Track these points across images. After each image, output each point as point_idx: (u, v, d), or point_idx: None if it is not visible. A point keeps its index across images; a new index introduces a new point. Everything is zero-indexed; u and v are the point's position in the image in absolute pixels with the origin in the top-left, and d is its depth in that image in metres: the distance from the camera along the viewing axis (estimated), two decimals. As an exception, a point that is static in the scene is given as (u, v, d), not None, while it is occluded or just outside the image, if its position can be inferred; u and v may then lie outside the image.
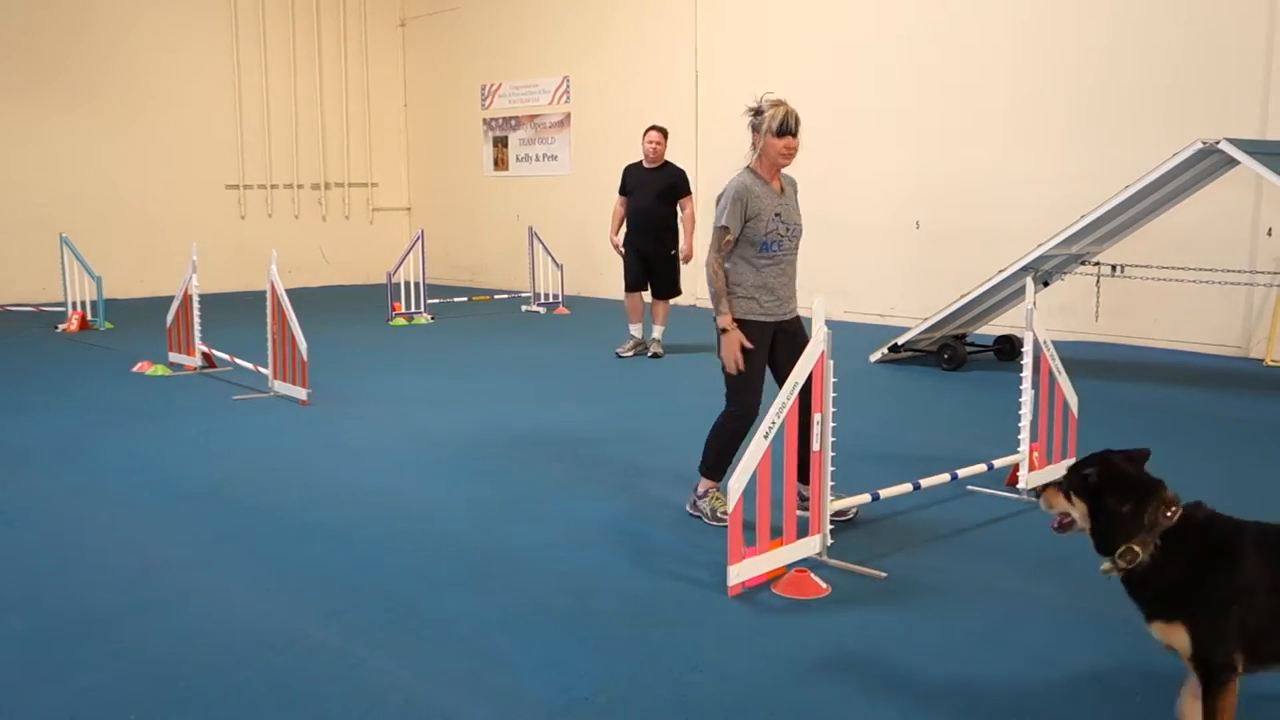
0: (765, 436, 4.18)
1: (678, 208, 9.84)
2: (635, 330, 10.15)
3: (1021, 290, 8.65)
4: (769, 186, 4.93)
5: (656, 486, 5.70)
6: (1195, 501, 2.98)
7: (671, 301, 10.09)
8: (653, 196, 9.70)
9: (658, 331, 10.06)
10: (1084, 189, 9.63)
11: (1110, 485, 2.95)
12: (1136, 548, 2.88)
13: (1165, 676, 3.48)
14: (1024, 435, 5.37)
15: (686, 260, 10.00)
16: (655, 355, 9.92)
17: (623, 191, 9.92)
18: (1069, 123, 10.55)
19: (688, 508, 5.21)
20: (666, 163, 9.85)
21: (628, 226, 9.90)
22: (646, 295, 10.06)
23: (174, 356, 9.44)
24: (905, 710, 3.28)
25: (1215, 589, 2.81)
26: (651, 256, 9.82)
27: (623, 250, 10.00)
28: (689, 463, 5.87)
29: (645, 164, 9.85)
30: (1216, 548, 2.84)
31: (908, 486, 5.00)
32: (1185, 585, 2.84)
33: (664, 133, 9.84)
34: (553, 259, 13.67)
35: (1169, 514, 2.88)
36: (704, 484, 5.14)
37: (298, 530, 5.03)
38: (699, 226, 9.97)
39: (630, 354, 10.04)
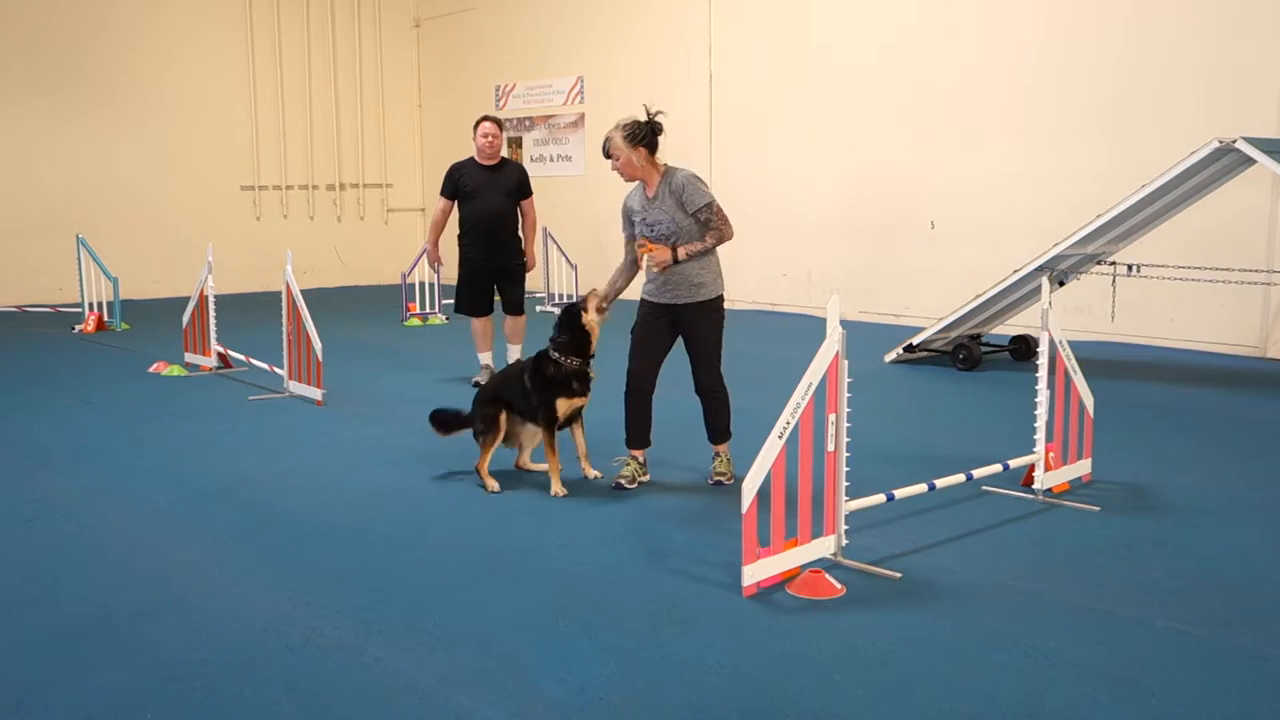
0: (780, 436, 4.18)
1: (518, 211, 8.50)
2: (487, 359, 8.64)
3: (1037, 290, 8.62)
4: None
5: (671, 485, 5.70)
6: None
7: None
8: (501, 197, 8.30)
9: (516, 352, 8.44)
10: (1100, 188, 9.59)
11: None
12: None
13: (1183, 678, 3.47)
14: (1039, 435, 5.35)
15: (529, 269, 8.66)
16: None
17: (452, 195, 8.42)
18: (1085, 122, 10.51)
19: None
20: (504, 159, 8.52)
21: (467, 237, 8.40)
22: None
23: (190, 357, 9.49)
24: (920, 711, 3.27)
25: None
26: (502, 269, 8.39)
27: (440, 264, 8.85)
28: (701, 459, 5.90)
29: (480, 160, 8.39)
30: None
31: (923, 487, 4.98)
32: None
33: (500, 124, 8.46)
34: (567, 259, 13.67)
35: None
36: (724, 446, 5.80)
37: (313, 530, 5.05)
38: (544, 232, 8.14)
39: None
